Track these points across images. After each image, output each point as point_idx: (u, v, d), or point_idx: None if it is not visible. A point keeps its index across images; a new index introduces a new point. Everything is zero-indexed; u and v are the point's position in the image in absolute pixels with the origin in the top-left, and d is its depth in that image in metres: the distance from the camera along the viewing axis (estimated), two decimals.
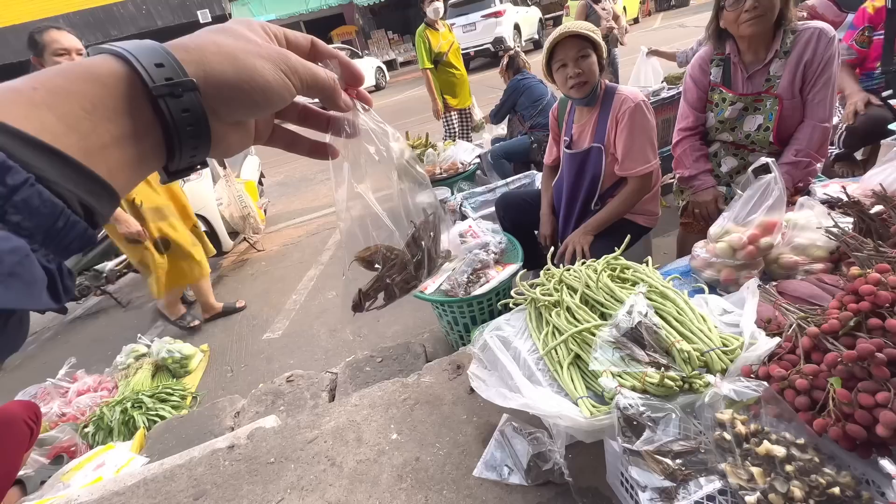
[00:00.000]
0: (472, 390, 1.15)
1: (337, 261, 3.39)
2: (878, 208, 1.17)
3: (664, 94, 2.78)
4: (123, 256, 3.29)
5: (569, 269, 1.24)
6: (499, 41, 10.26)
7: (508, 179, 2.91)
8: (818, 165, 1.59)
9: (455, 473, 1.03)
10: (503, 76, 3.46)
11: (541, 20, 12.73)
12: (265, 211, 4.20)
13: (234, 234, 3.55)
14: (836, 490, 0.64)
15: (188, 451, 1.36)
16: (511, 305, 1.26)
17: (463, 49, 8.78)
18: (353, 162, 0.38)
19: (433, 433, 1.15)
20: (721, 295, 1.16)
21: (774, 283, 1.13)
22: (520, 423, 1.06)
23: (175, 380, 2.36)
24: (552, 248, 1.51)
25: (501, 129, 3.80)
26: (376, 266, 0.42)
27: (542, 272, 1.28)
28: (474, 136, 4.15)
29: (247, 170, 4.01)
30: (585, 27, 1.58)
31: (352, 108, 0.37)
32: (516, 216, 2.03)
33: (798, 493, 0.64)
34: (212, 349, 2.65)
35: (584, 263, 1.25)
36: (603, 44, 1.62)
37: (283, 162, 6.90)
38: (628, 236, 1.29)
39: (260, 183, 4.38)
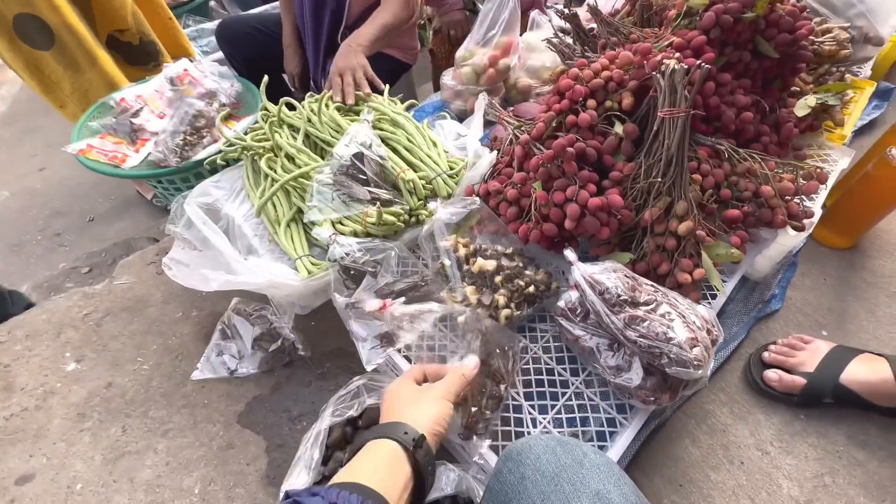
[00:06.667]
0: None
1: None
2: (592, 26, 1.21)
3: None
4: None
5: (292, 107, 0.95)
6: None
7: (256, 10, 2.20)
8: None
9: (167, 385, 0.79)
10: None
11: None
12: None
13: None
14: (532, 288, 0.65)
15: None
16: (219, 162, 0.93)
17: None
18: None
19: (133, 346, 0.85)
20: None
21: (511, 108, 1.10)
22: (247, 304, 0.85)
23: None
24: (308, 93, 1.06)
25: None
26: None
27: (258, 114, 0.96)
28: None
29: None
30: None
31: None
32: (249, 52, 1.53)
33: (502, 300, 0.63)
34: None
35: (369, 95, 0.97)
36: None
37: None
38: None
39: None
